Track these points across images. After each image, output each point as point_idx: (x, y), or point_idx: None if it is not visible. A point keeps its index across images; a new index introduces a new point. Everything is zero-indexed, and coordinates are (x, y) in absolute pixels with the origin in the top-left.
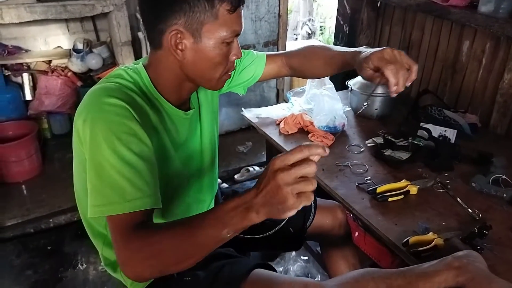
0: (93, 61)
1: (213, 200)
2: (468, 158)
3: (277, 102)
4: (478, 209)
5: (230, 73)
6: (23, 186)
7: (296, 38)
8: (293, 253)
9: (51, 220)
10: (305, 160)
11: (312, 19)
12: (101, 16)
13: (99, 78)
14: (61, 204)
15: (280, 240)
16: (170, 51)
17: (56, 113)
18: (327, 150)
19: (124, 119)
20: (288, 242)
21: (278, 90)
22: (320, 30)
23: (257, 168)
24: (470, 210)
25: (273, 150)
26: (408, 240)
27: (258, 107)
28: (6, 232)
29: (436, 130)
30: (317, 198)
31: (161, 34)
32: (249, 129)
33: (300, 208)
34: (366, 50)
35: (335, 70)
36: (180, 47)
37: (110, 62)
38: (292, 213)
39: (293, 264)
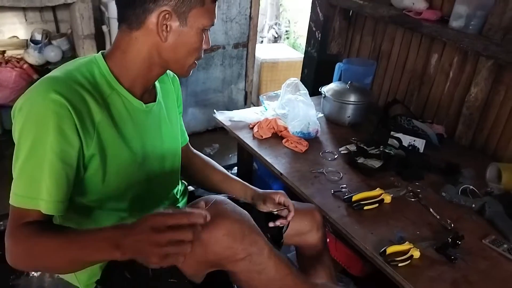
0: (52, 54)
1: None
2: (437, 168)
3: (245, 104)
4: (449, 219)
5: (197, 62)
6: None
7: (262, 41)
8: None
9: (1, 223)
10: (184, 226)
11: (279, 23)
12: (63, 6)
13: None
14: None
15: None
16: (151, 32)
17: (9, 107)
18: (208, 218)
19: (57, 118)
20: None
21: (246, 93)
22: (285, 34)
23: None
24: (442, 220)
25: (244, 153)
26: (385, 249)
27: (226, 108)
28: None
29: (406, 140)
30: (294, 202)
31: (147, 13)
32: (216, 131)
33: (164, 266)
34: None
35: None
36: (165, 28)
37: (70, 55)
38: (156, 267)
39: None
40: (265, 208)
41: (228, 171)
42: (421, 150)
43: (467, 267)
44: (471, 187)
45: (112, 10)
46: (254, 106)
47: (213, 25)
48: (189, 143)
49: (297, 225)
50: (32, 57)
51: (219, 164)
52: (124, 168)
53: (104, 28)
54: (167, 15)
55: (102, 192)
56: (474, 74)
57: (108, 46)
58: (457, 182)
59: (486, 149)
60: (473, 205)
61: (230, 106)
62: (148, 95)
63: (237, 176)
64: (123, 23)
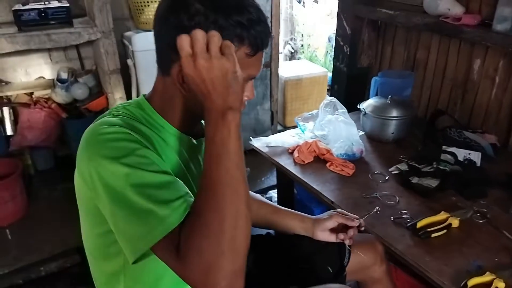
0: (79, 91)
1: None
2: (498, 182)
3: (272, 124)
4: None
5: None
6: (8, 231)
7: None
8: None
9: (41, 268)
10: None
11: (294, 38)
12: (86, 43)
13: (86, 109)
14: (51, 249)
15: (321, 281)
16: (176, 82)
17: (40, 148)
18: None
19: (126, 142)
20: (329, 283)
21: (272, 113)
22: (301, 48)
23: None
24: None
25: (284, 177)
26: (466, 283)
27: (253, 130)
28: None
29: (460, 154)
30: None
31: (171, 63)
32: (246, 154)
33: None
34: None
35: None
36: (183, 80)
37: (97, 91)
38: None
39: None
40: (326, 235)
41: (263, 196)
42: (478, 164)
43: None
44: None
45: (136, 44)
46: (281, 125)
47: (253, 78)
48: None
49: (358, 258)
50: (60, 96)
51: (252, 189)
52: None
53: (129, 61)
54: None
55: None
56: None
57: (134, 79)
58: None
59: None
60: None
61: (257, 127)
62: (196, 130)
63: (278, 201)
64: (158, 67)
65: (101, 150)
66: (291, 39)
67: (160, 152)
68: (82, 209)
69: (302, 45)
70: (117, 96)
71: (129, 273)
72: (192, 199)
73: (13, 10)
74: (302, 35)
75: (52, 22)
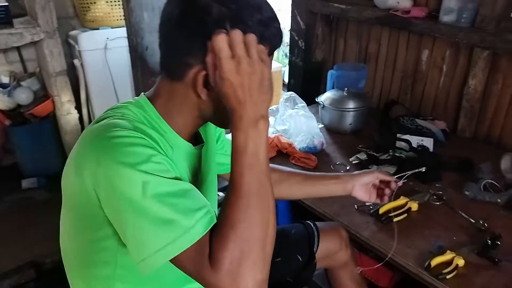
0: (23, 96)
1: None
2: (451, 165)
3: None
4: (479, 218)
5: None
6: None
7: None
8: None
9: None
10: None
11: None
12: (28, 45)
13: (31, 114)
14: (3, 266)
15: (292, 271)
16: (190, 87)
17: None
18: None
19: (141, 148)
20: (300, 272)
21: None
22: None
23: (221, 193)
24: (473, 221)
25: None
26: (429, 263)
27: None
28: None
29: (414, 140)
30: (317, 223)
31: (186, 67)
32: None
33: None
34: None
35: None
36: (205, 86)
37: (42, 95)
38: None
39: None
40: (364, 193)
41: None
42: (431, 149)
43: None
44: (491, 181)
45: (83, 43)
46: None
47: None
48: None
49: (325, 245)
50: (2, 102)
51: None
52: None
53: (76, 62)
54: (206, 73)
55: None
56: (469, 66)
57: (82, 81)
58: (476, 178)
59: (490, 139)
60: (499, 200)
61: None
62: (194, 137)
63: None
64: (164, 71)
65: (114, 155)
66: None
67: (169, 158)
68: (73, 213)
69: None
70: (65, 99)
71: (119, 279)
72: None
73: None
74: None
75: None
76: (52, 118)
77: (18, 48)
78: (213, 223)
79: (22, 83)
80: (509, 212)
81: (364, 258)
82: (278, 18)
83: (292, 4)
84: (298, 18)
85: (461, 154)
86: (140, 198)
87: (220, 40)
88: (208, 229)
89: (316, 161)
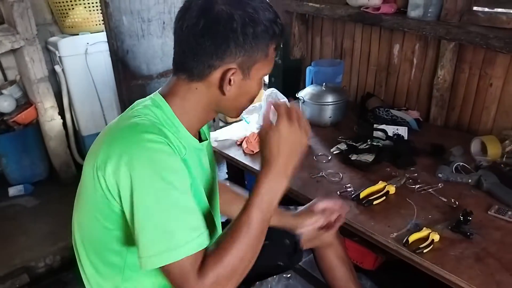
0: (5, 104)
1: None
2: (424, 151)
3: (214, 121)
4: (452, 198)
5: None
6: None
7: None
8: None
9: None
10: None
11: None
12: (7, 52)
13: (14, 122)
14: None
15: (281, 253)
16: (213, 85)
17: None
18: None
19: (165, 156)
20: (290, 255)
21: None
22: None
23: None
24: (445, 199)
25: (234, 170)
26: (407, 239)
27: None
28: None
29: (390, 130)
30: (302, 206)
31: (211, 68)
32: None
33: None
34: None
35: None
36: (228, 83)
37: (24, 102)
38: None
39: (277, 283)
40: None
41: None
42: (406, 137)
43: (484, 240)
44: (462, 163)
45: (63, 49)
46: (222, 121)
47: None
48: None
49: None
50: None
51: None
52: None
53: (57, 68)
54: (233, 71)
55: None
56: (438, 57)
57: (64, 86)
58: (448, 162)
59: (461, 126)
60: (470, 180)
61: None
62: (197, 134)
63: None
64: (182, 72)
65: (140, 158)
66: None
67: (183, 157)
68: (90, 203)
69: None
70: (48, 105)
71: (129, 267)
72: (207, 232)
73: None
74: None
75: None
76: (35, 125)
77: None
78: (206, 242)
79: (3, 91)
80: (479, 191)
81: (350, 242)
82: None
83: None
84: None
85: (433, 140)
86: (153, 204)
87: (282, 108)
88: (202, 248)
89: None
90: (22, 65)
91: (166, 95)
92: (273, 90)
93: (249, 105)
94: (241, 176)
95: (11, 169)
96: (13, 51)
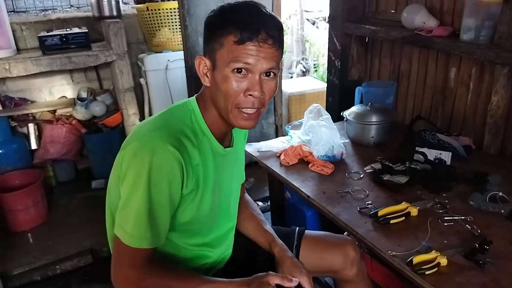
0: (97, 108)
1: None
2: (465, 178)
3: (276, 136)
4: (478, 226)
5: (244, 110)
6: (29, 234)
7: (291, 76)
8: None
9: (57, 266)
10: None
11: (306, 58)
12: (104, 65)
13: (103, 124)
14: (67, 250)
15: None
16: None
17: (61, 161)
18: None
19: (173, 169)
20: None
21: (277, 126)
22: (314, 67)
23: (260, 203)
24: (468, 227)
25: (275, 182)
26: (412, 259)
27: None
28: (13, 281)
29: (432, 154)
30: (328, 233)
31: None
32: (251, 166)
33: None
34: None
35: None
36: (205, 72)
37: (114, 108)
38: None
39: None
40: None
41: (265, 203)
42: (448, 163)
43: (497, 271)
44: (500, 193)
45: (147, 64)
46: (285, 136)
47: (246, 68)
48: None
49: (327, 262)
50: (80, 113)
51: (255, 197)
52: (205, 203)
53: (142, 80)
54: (203, 60)
55: (183, 223)
56: (493, 82)
57: (146, 97)
58: (484, 190)
59: None
60: (502, 211)
61: (262, 140)
62: (227, 139)
63: (270, 205)
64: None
65: (145, 161)
66: (302, 59)
67: (191, 164)
68: (114, 171)
69: (315, 65)
70: (131, 112)
71: (173, 229)
72: (158, 243)
73: (38, 36)
74: (317, 56)
75: (73, 46)
76: (121, 128)
77: (96, 68)
78: (153, 246)
79: (98, 97)
80: (510, 223)
81: (376, 265)
82: (260, 15)
83: (329, 27)
84: (335, 40)
85: (480, 168)
86: (131, 194)
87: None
88: (149, 247)
89: (333, 168)
90: (114, 76)
91: (198, 97)
92: (316, 106)
93: (229, 106)
94: (281, 189)
95: (96, 165)
96: (108, 64)
